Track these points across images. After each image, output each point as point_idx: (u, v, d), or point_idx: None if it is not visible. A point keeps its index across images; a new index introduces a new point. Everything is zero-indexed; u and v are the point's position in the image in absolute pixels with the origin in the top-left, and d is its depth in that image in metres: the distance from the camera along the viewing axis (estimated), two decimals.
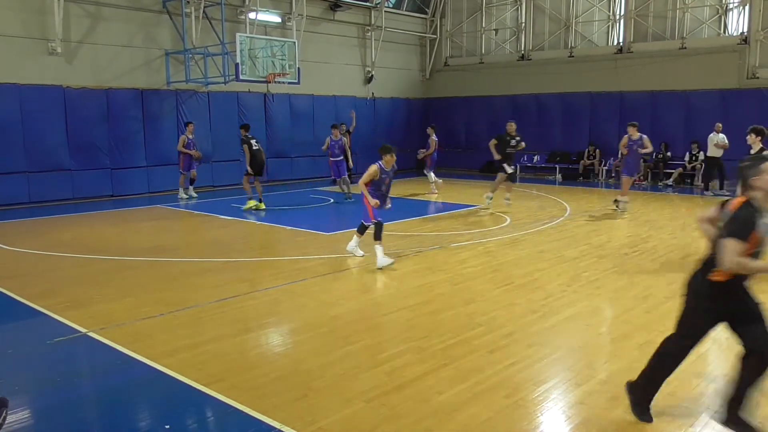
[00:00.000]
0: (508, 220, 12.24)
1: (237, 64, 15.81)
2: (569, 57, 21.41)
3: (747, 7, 18.35)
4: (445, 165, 23.47)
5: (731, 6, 18.98)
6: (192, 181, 16.26)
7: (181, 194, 16.18)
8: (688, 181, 18.78)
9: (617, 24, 21.11)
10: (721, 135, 16.47)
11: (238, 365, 5.15)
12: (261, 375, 4.95)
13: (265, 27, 18.96)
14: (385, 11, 22.34)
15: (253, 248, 9.99)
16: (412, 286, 7.62)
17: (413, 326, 6.12)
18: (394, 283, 7.84)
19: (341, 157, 15.16)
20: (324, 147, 15.37)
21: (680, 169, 18.76)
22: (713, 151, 16.62)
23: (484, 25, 23.77)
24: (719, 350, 5.62)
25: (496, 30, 23.51)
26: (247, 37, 16.46)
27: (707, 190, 16.79)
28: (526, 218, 12.58)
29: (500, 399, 4.48)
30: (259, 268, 8.60)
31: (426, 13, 24.50)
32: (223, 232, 11.52)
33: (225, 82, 16.85)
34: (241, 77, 16.01)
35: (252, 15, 18.20)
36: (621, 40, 20.71)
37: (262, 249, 9.97)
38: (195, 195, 16.31)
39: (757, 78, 17.99)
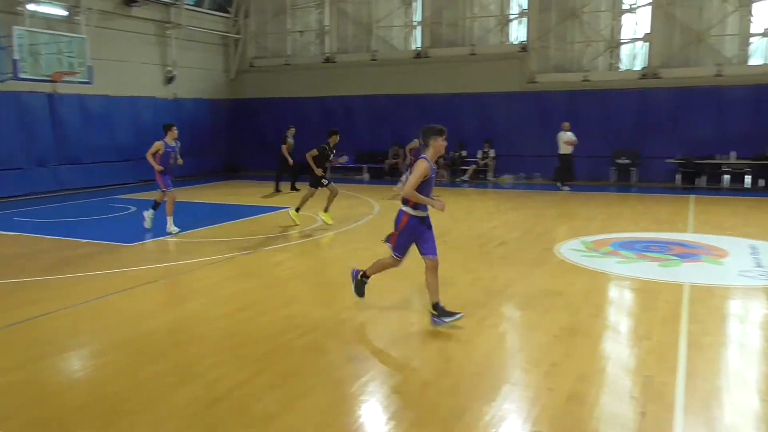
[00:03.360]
0: (320, 221, 12.41)
1: (15, 61, 14.19)
2: (372, 60, 22.24)
3: (526, 19, 20.46)
4: (255, 167, 23.17)
5: (511, 17, 21.02)
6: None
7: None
8: (482, 176, 20.47)
9: (415, 30, 22.35)
10: (569, 133, 17.50)
11: (33, 398, 4.63)
12: (59, 406, 4.50)
13: (49, 20, 17.20)
14: (185, 8, 21.41)
15: (44, 266, 9.01)
16: (226, 294, 7.42)
17: (230, 335, 5.97)
18: (207, 292, 7.58)
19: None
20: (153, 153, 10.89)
21: (474, 166, 20.39)
22: (564, 149, 17.57)
23: (289, 27, 23.82)
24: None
25: (302, 32, 23.69)
26: (27, 30, 14.83)
27: (564, 186, 17.73)
28: (338, 217, 12.84)
29: (321, 398, 4.54)
30: (54, 288, 7.79)
31: (228, 12, 23.92)
32: (5, 249, 10.27)
33: (1, 81, 15.02)
34: (20, 75, 14.39)
35: (32, 6, 16.40)
36: (419, 45, 21.97)
37: (56, 266, 9.04)
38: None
39: (536, 83, 20.15)
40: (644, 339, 5.74)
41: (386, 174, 21.52)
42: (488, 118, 20.48)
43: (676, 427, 4.05)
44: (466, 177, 20.29)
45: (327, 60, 23.06)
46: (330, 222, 11.88)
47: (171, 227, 10.77)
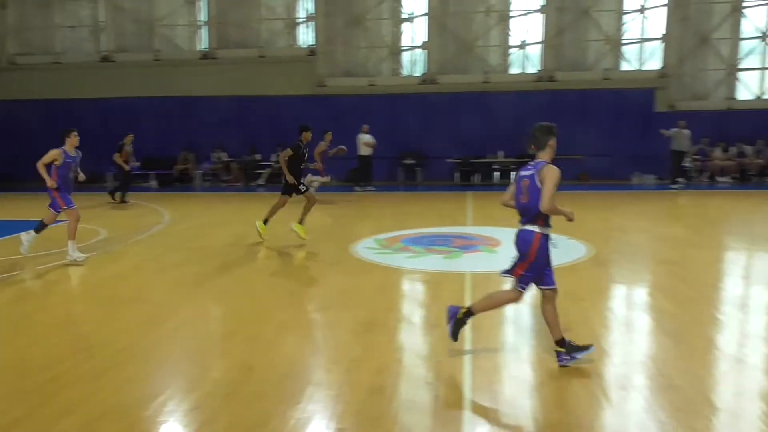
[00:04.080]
0: (104, 233, 11.47)
1: None
2: (155, 60, 21.06)
3: (313, 23, 20.84)
4: (21, 178, 20.68)
5: (298, 21, 21.28)
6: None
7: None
8: (277, 180, 20.46)
9: (201, 30, 21.63)
10: (368, 135, 18.20)
11: None
12: None
13: None
14: None
15: None
16: None
17: (3, 366, 5.26)
18: None
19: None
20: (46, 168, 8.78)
21: (269, 170, 20.30)
22: (364, 150, 18.24)
23: (57, 21, 21.63)
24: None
25: (73, 27, 21.65)
26: None
27: (359, 186, 18.39)
28: (125, 228, 12.00)
29: (112, 426, 4.19)
30: None
31: None
32: None
33: None
34: None
35: None
36: (206, 45, 21.29)
37: None
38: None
39: (326, 86, 20.62)
40: (434, 327, 6.16)
41: (176, 180, 20.56)
42: (280, 122, 20.51)
43: (465, 405, 4.41)
44: (261, 181, 20.11)
45: (104, 59, 21.37)
46: (304, 236, 10.13)
47: (75, 252, 8.82)
